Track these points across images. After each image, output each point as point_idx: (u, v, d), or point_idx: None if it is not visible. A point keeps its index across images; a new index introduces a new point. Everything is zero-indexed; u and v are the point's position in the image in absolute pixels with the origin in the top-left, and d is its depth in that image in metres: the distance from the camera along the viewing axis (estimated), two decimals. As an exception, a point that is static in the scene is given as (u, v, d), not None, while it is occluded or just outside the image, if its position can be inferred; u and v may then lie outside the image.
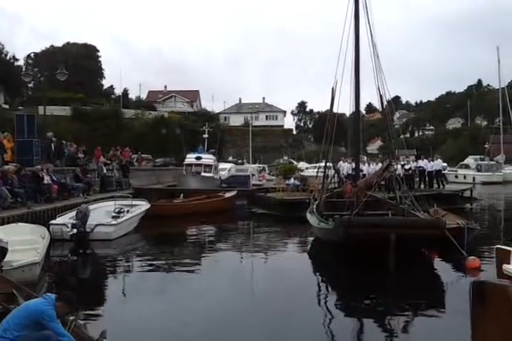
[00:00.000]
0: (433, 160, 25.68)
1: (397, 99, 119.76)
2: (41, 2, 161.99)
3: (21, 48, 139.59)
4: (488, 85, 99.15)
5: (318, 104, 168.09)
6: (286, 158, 64.36)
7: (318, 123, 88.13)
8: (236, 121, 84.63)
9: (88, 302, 7.92)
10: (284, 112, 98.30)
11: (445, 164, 33.78)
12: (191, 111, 75.33)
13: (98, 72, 72.13)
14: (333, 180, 18.20)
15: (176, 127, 55.31)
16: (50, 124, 27.27)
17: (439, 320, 7.57)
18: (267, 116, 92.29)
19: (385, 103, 14.84)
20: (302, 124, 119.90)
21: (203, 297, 8.78)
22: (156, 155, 43.92)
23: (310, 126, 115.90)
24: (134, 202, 17.60)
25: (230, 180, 29.17)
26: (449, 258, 11.50)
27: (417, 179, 24.83)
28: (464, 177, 44.48)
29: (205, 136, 35.42)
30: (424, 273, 10.59)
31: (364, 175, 17.62)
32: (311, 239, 14.90)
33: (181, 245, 15.09)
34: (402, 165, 20.90)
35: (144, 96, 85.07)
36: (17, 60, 63.29)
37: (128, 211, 16.24)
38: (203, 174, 28.49)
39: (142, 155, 35.61)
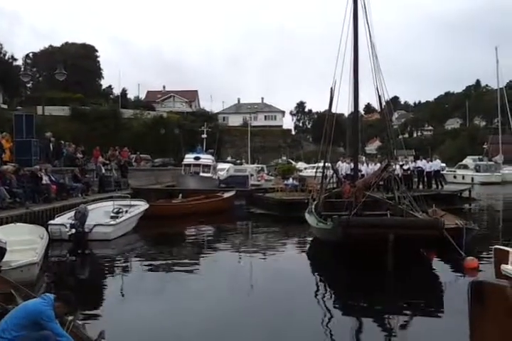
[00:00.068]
0: (431, 161, 25.74)
1: (395, 99, 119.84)
2: (40, 2, 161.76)
3: (20, 48, 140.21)
4: (487, 85, 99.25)
5: (317, 105, 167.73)
6: (284, 158, 64.20)
7: (317, 123, 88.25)
8: (235, 121, 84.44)
9: (87, 303, 7.91)
10: (283, 112, 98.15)
11: (444, 164, 33.75)
12: (190, 111, 75.33)
13: (97, 72, 72.23)
14: (331, 180, 18.23)
15: (174, 127, 55.34)
16: (49, 124, 27.35)
17: (438, 320, 7.58)
18: (265, 117, 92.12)
19: (383, 103, 14.85)
20: (301, 124, 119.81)
21: (201, 297, 8.78)
22: (155, 155, 43.89)
23: (309, 126, 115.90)
24: (133, 202, 17.59)
25: (228, 180, 29.19)
26: (448, 258, 11.51)
27: (416, 179, 24.84)
28: (463, 177, 44.52)
29: (204, 136, 35.38)
30: (423, 273, 10.59)
31: (363, 176, 17.60)
32: (309, 239, 14.89)
33: (180, 245, 15.08)
34: (401, 166, 20.94)
35: (142, 96, 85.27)
36: (16, 59, 63.59)
37: (126, 211, 16.22)
38: (201, 174, 28.49)
39: (141, 156, 35.55)
